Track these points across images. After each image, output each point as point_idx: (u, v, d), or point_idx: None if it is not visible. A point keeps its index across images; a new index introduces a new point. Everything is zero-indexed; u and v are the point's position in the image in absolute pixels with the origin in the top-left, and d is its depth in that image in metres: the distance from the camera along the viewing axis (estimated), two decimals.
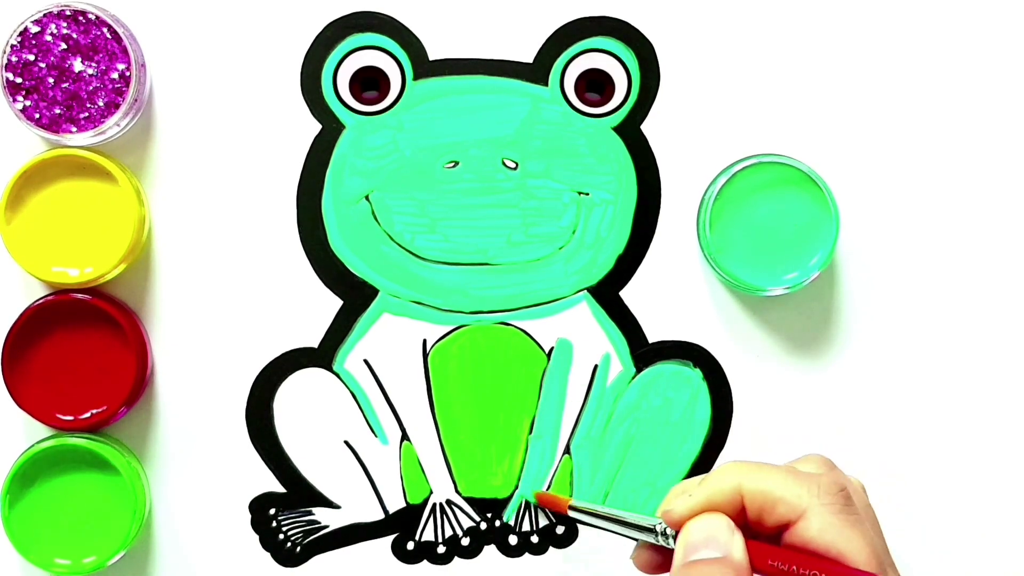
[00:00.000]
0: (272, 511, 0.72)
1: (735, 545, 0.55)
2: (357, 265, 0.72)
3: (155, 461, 0.72)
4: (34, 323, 0.69)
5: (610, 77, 0.71)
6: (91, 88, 0.68)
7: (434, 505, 0.72)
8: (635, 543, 0.60)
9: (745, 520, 0.56)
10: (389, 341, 0.72)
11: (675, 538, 0.57)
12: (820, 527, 0.54)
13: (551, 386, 0.72)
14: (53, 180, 0.69)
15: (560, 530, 0.72)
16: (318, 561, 0.72)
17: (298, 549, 0.72)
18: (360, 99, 0.71)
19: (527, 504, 0.72)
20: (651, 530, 0.59)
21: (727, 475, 0.56)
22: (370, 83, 0.71)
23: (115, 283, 0.71)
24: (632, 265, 0.72)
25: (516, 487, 0.72)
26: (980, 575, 0.73)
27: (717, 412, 0.72)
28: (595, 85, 0.72)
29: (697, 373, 0.72)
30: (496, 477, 0.72)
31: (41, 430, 0.71)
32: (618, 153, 0.72)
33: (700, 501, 0.56)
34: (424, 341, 0.72)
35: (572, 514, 0.66)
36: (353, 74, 0.71)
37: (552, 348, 0.72)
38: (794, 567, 0.54)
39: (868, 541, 0.54)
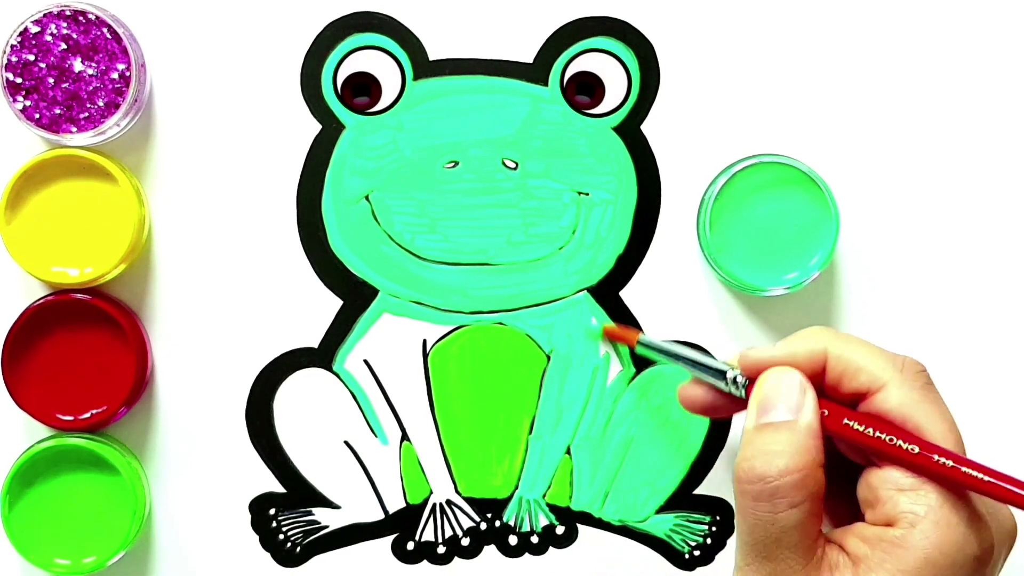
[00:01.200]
0: (272, 511, 0.72)
1: (807, 405, 0.55)
2: (357, 265, 0.72)
3: (155, 461, 0.72)
4: (34, 323, 0.69)
5: (600, 79, 0.71)
6: (91, 88, 0.68)
7: (434, 505, 0.72)
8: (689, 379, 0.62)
9: (823, 384, 0.57)
10: (389, 341, 0.72)
11: (746, 389, 0.58)
12: (900, 400, 0.54)
13: (551, 386, 0.72)
14: (53, 180, 0.69)
15: (560, 530, 0.72)
16: (318, 561, 0.72)
17: (298, 549, 0.72)
18: (351, 105, 0.71)
19: (527, 505, 0.72)
20: (723, 374, 0.60)
21: (813, 336, 0.57)
22: (362, 88, 0.71)
23: (115, 283, 0.71)
24: (632, 265, 0.72)
25: (516, 487, 0.72)
26: None
27: None
28: (585, 88, 0.72)
29: None
30: (496, 477, 0.72)
31: (41, 430, 0.71)
32: (618, 153, 0.72)
33: (780, 354, 0.57)
34: (424, 341, 0.72)
35: (640, 350, 0.67)
36: (345, 79, 0.71)
37: (552, 348, 0.72)
38: (870, 429, 0.55)
39: (946, 418, 0.54)
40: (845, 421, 0.56)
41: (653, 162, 0.72)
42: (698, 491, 0.72)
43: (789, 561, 0.54)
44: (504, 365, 0.72)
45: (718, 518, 0.73)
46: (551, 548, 0.72)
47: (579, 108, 0.72)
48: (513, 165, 0.71)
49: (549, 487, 0.72)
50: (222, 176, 0.71)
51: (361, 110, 0.71)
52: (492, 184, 0.71)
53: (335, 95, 0.71)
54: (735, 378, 0.60)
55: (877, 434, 0.55)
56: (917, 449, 0.54)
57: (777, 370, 0.57)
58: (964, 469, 0.54)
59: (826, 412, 0.56)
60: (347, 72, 0.71)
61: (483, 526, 0.72)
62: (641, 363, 0.72)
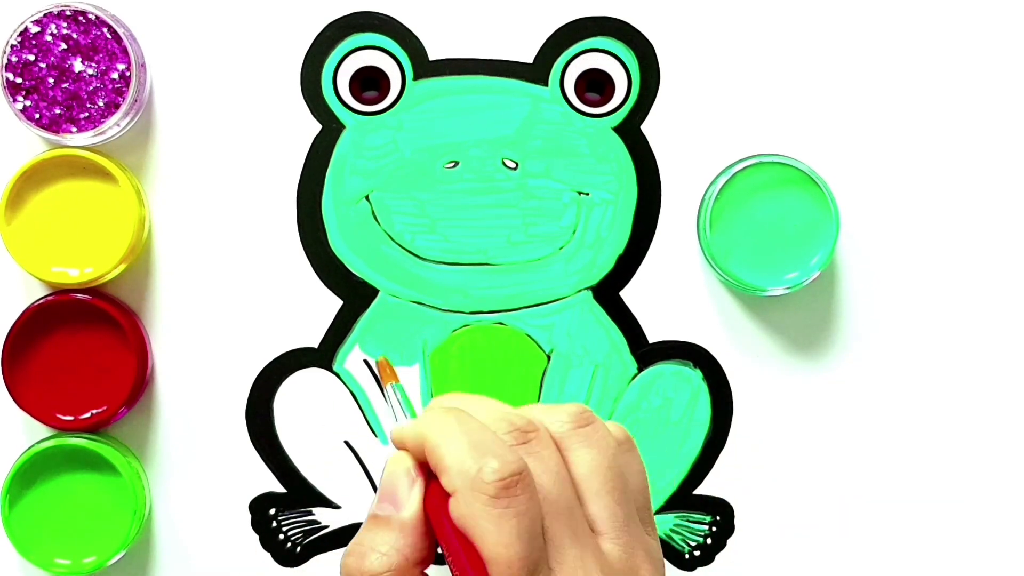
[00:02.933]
0: (272, 511, 0.72)
1: (410, 503, 0.50)
2: (357, 265, 0.72)
3: (155, 461, 0.72)
4: (34, 323, 0.69)
5: (610, 77, 0.71)
6: (91, 88, 0.68)
7: None
8: None
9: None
10: (389, 341, 0.72)
11: None
12: (461, 512, 0.48)
13: (551, 386, 0.72)
14: (53, 180, 0.69)
15: None
16: (318, 561, 0.72)
17: (298, 549, 0.72)
18: (360, 99, 0.71)
19: None
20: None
21: (421, 427, 0.50)
22: (370, 83, 0.71)
23: (115, 283, 0.71)
24: (632, 265, 0.72)
25: None
26: (982, 575, 0.73)
27: (717, 412, 0.72)
28: (595, 85, 0.72)
29: (697, 373, 0.72)
30: None
31: (41, 430, 0.71)
32: (618, 153, 0.72)
33: (407, 438, 0.51)
34: (424, 342, 0.72)
35: (386, 393, 0.59)
36: (353, 73, 0.71)
37: (552, 348, 0.72)
38: (443, 533, 0.49)
39: (505, 539, 0.47)
40: (441, 519, 0.49)
41: (653, 162, 0.72)
42: (698, 491, 0.72)
43: None
44: (504, 365, 0.72)
45: (718, 518, 0.73)
46: None
47: (589, 105, 0.71)
48: (513, 165, 0.71)
49: None
50: (222, 176, 0.71)
51: (369, 104, 0.71)
52: (492, 184, 0.71)
53: (335, 95, 0.71)
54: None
55: (445, 547, 0.49)
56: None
57: (395, 457, 0.51)
58: None
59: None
60: (347, 72, 0.71)
61: None
62: (641, 363, 0.72)
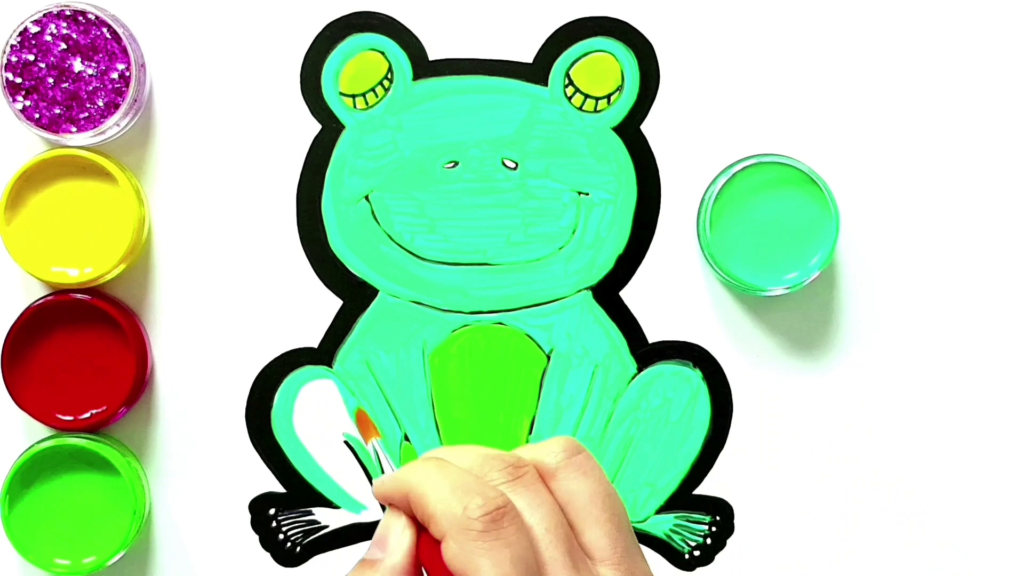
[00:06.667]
0: (272, 511, 0.72)
1: (396, 548, 0.51)
2: (357, 265, 0.72)
3: (155, 461, 0.72)
4: (34, 323, 0.69)
5: (608, 62, 0.71)
6: (91, 88, 0.68)
7: None
8: None
9: None
10: (389, 341, 0.72)
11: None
12: (454, 553, 0.49)
13: (551, 386, 0.72)
14: (53, 180, 0.69)
15: None
16: (318, 561, 0.72)
17: (298, 549, 0.72)
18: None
19: None
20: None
21: (402, 479, 0.52)
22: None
23: (115, 283, 0.71)
24: (632, 265, 0.72)
25: None
26: (982, 575, 0.73)
27: (717, 412, 0.72)
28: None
29: (697, 373, 0.72)
30: None
31: (41, 430, 0.71)
32: (618, 153, 0.72)
33: (389, 492, 0.52)
34: (424, 342, 0.72)
35: (370, 448, 0.61)
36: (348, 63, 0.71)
37: (552, 348, 0.72)
38: None
39: (502, 570, 0.48)
40: (431, 564, 0.51)
41: (653, 162, 0.72)
42: (698, 491, 0.72)
43: None
44: (504, 365, 0.72)
45: (718, 518, 0.73)
46: None
47: (581, 107, 0.72)
48: (513, 165, 0.71)
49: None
50: (222, 176, 0.71)
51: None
52: (492, 184, 0.71)
53: (335, 95, 0.71)
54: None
55: None
56: None
57: (387, 513, 0.52)
58: None
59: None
60: (348, 71, 0.71)
61: None
62: (641, 363, 0.72)
